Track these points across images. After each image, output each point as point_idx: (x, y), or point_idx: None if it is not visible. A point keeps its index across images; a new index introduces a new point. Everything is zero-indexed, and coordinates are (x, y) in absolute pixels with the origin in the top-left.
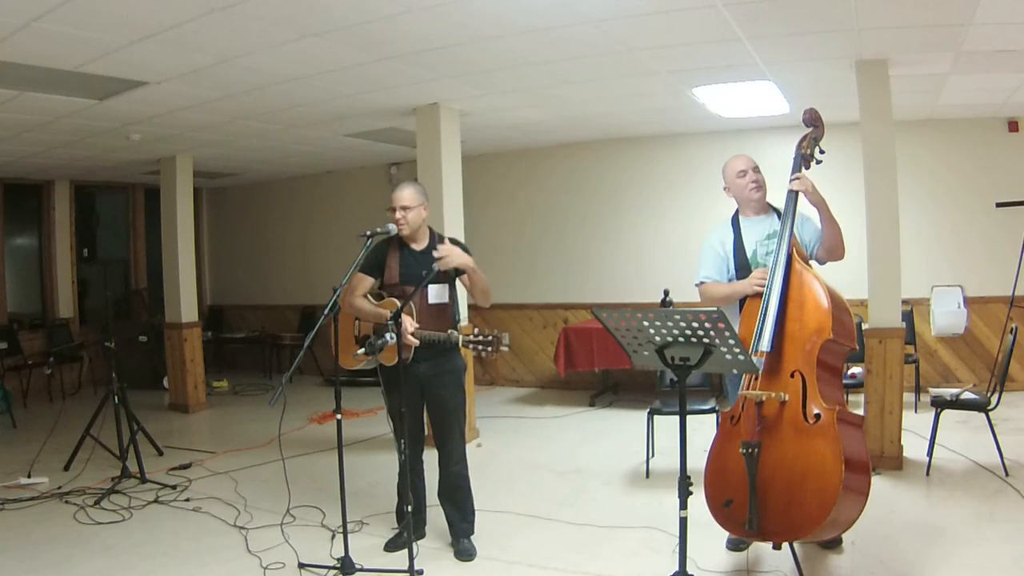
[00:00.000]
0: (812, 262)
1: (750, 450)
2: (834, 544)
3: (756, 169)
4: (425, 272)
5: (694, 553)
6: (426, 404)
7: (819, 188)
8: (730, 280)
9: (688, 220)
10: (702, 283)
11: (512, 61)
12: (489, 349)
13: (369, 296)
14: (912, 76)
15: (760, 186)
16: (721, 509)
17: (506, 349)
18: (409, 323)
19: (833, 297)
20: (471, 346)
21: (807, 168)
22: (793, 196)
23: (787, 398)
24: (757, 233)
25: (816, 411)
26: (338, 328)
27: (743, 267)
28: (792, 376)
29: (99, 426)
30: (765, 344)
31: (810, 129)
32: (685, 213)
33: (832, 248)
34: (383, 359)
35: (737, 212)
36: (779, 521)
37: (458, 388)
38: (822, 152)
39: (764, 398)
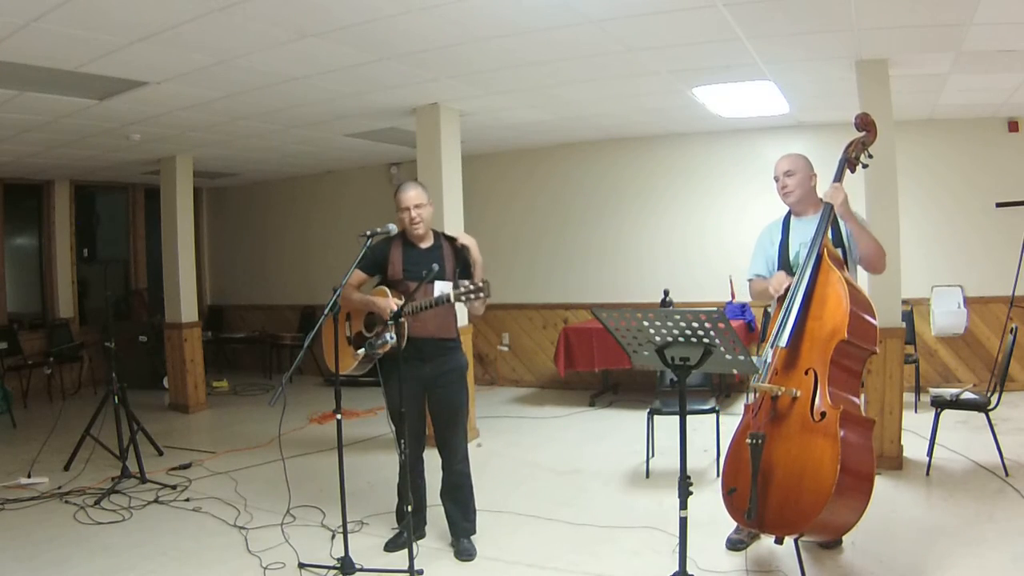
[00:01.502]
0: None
1: (755, 441)
2: (834, 544)
3: (788, 173)
4: (425, 272)
5: (694, 553)
6: (429, 403)
7: (820, 188)
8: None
9: (688, 220)
10: (751, 279)
11: (512, 61)
12: (482, 295)
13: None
14: (912, 76)
15: (789, 191)
16: (728, 496)
17: (505, 349)
18: (393, 302)
19: (855, 299)
20: (463, 298)
21: (852, 171)
22: (829, 206)
23: (799, 394)
24: (803, 235)
25: (823, 410)
26: (327, 332)
27: (784, 267)
28: (806, 373)
29: (99, 426)
30: (783, 340)
31: (861, 134)
32: (685, 213)
33: (867, 262)
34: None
35: (790, 210)
36: (776, 514)
37: (462, 386)
38: (870, 156)
39: (779, 392)
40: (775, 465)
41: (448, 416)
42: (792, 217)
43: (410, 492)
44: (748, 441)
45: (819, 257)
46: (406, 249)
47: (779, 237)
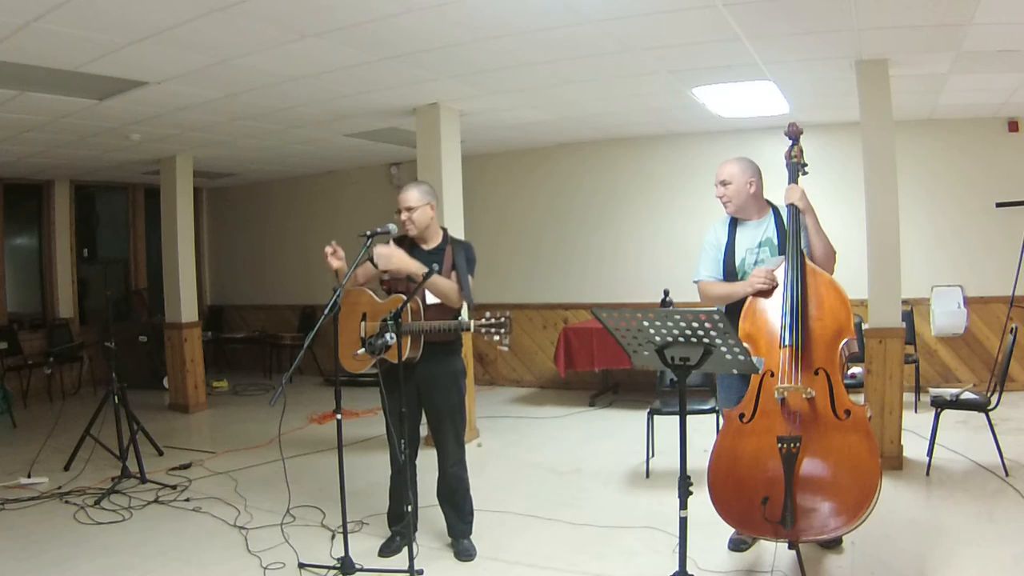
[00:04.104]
0: None
1: (790, 445)
2: (834, 544)
3: (724, 183)
4: (427, 272)
5: (694, 553)
6: (423, 406)
7: (820, 188)
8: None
9: (688, 220)
10: (700, 281)
11: (512, 61)
12: (503, 331)
13: (371, 292)
14: (912, 76)
15: (727, 201)
16: (732, 510)
17: (505, 349)
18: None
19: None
20: (483, 331)
21: (795, 179)
22: (795, 208)
23: (814, 394)
24: (749, 240)
25: (846, 408)
26: (338, 331)
27: (731, 274)
28: (816, 373)
29: (99, 426)
30: (788, 339)
31: (792, 142)
32: (685, 213)
33: (820, 262)
34: (389, 355)
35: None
36: (812, 517)
37: (453, 390)
38: (805, 164)
39: (786, 393)
40: (809, 467)
41: (439, 420)
42: (737, 223)
43: (409, 492)
44: (780, 447)
45: (802, 256)
46: (412, 250)
47: (725, 240)
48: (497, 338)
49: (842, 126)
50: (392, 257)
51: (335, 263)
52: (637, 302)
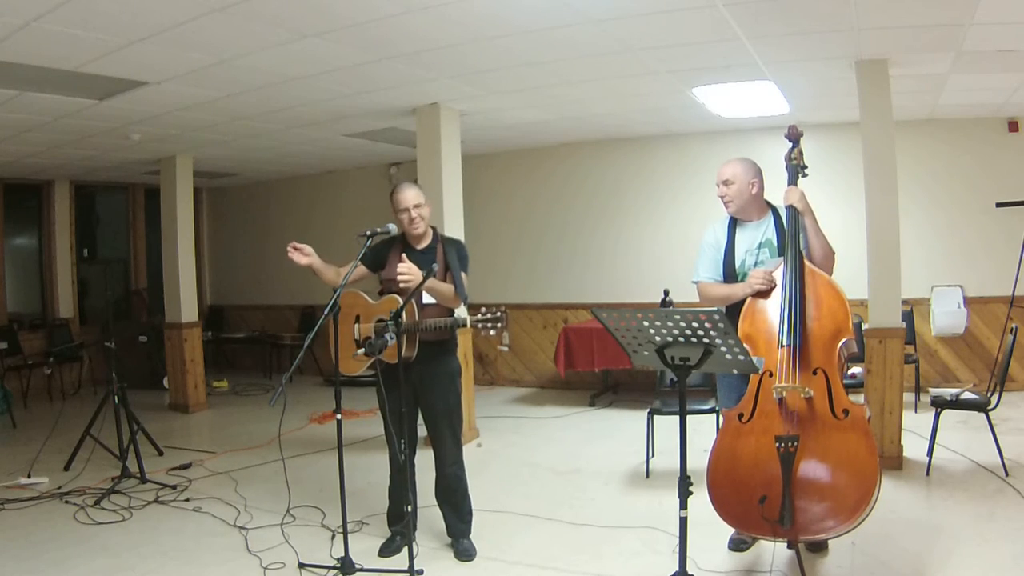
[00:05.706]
0: None
1: (788, 444)
2: (821, 547)
3: (726, 182)
4: (425, 272)
5: (694, 553)
6: (420, 406)
7: (820, 188)
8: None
9: (688, 220)
10: (699, 282)
11: (512, 61)
12: (499, 325)
13: (364, 294)
14: (912, 76)
15: (729, 201)
16: (731, 510)
17: (505, 349)
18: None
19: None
20: (479, 325)
21: (795, 181)
22: (794, 209)
23: (812, 394)
24: (749, 241)
25: (844, 407)
26: (338, 332)
27: (730, 275)
28: (815, 373)
29: (99, 426)
30: (786, 339)
31: (792, 144)
32: (685, 213)
33: (819, 263)
34: (385, 355)
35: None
36: (813, 516)
37: (450, 390)
38: (805, 166)
39: (784, 393)
40: (801, 466)
41: (435, 420)
42: (737, 224)
43: (409, 492)
44: (778, 446)
45: (800, 257)
46: (406, 251)
47: (725, 241)
48: (493, 332)
49: (842, 126)
50: (413, 277)
51: (302, 260)
52: (637, 302)
